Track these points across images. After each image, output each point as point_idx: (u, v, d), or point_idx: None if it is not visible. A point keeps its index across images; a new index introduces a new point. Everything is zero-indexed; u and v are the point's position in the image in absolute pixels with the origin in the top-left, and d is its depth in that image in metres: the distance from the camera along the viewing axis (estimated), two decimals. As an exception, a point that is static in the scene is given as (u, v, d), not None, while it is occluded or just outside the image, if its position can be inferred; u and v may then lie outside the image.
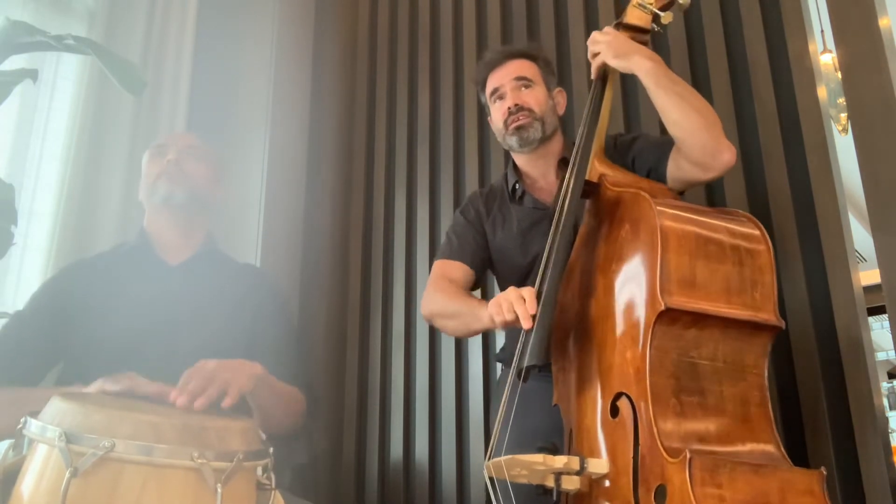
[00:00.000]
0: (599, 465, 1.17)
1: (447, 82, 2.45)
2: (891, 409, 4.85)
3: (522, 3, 2.32)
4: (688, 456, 1.02)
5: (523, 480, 1.24)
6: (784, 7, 1.80)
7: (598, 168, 1.40)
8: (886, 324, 1.55)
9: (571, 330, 1.35)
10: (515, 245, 1.65)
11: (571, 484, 1.17)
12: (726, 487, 1.02)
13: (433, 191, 2.40)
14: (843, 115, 3.09)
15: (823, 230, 1.64)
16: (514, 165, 1.72)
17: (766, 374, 1.20)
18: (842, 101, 3.08)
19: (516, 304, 1.29)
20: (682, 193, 1.49)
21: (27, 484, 1.01)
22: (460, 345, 2.19)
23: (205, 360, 1.29)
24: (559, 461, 1.16)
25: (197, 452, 1.00)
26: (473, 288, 1.71)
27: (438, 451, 2.15)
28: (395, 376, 2.30)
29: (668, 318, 1.13)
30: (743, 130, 1.82)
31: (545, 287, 1.30)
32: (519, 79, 1.64)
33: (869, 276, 1.82)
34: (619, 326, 1.22)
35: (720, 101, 1.85)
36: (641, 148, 1.55)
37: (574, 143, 1.49)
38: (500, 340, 2.10)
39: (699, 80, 1.91)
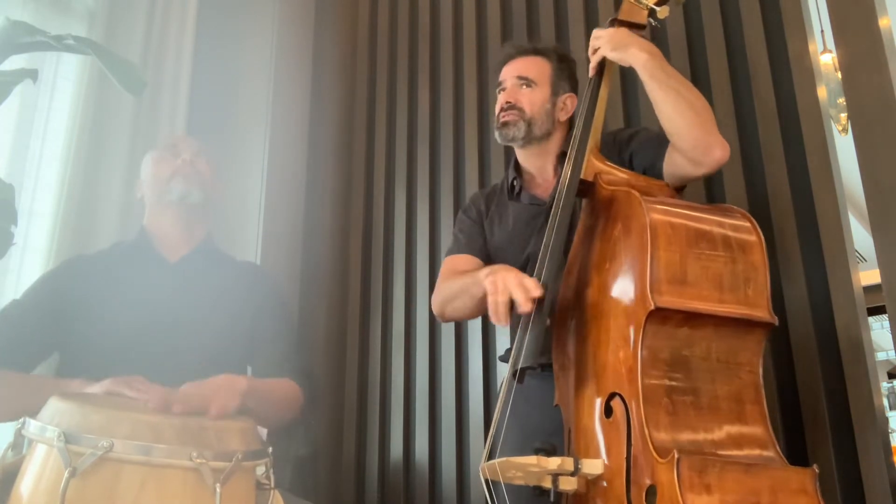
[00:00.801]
0: (594, 465, 1.17)
1: (447, 82, 2.45)
2: (891, 409, 4.85)
3: (522, 3, 2.32)
4: (676, 456, 1.02)
5: (520, 482, 1.24)
6: (784, 7, 1.80)
7: (593, 166, 1.40)
8: (886, 324, 1.55)
9: (571, 328, 1.35)
10: (511, 242, 1.65)
11: (569, 485, 1.17)
12: (715, 487, 1.02)
13: (433, 191, 2.40)
14: (843, 115, 3.08)
15: (823, 230, 1.64)
16: (516, 162, 1.73)
17: (760, 371, 1.20)
18: (842, 101, 3.08)
19: (515, 290, 1.27)
20: (681, 190, 1.48)
21: (26, 484, 1.01)
22: (460, 345, 2.19)
23: (188, 383, 1.26)
24: (553, 463, 1.16)
25: (196, 452, 1.00)
26: None
27: (438, 451, 2.15)
28: (395, 376, 2.30)
29: (658, 317, 1.13)
30: (743, 130, 1.82)
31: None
32: (521, 78, 1.66)
33: (869, 276, 1.82)
34: (613, 326, 1.22)
35: (720, 100, 1.85)
36: (639, 144, 1.55)
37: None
38: (500, 340, 2.10)
39: (699, 80, 1.90)
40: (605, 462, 1.17)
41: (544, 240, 1.37)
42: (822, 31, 2.87)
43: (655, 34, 2.00)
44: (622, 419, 1.14)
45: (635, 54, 1.42)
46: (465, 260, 1.69)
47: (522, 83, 1.66)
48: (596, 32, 1.51)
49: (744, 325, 1.18)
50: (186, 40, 2.45)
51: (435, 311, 1.69)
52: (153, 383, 1.26)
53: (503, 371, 1.80)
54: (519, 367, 1.24)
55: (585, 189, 1.38)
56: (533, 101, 1.64)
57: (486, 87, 2.34)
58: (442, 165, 2.39)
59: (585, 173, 1.38)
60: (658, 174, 1.48)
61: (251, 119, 2.57)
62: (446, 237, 2.29)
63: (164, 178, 1.69)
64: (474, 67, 2.38)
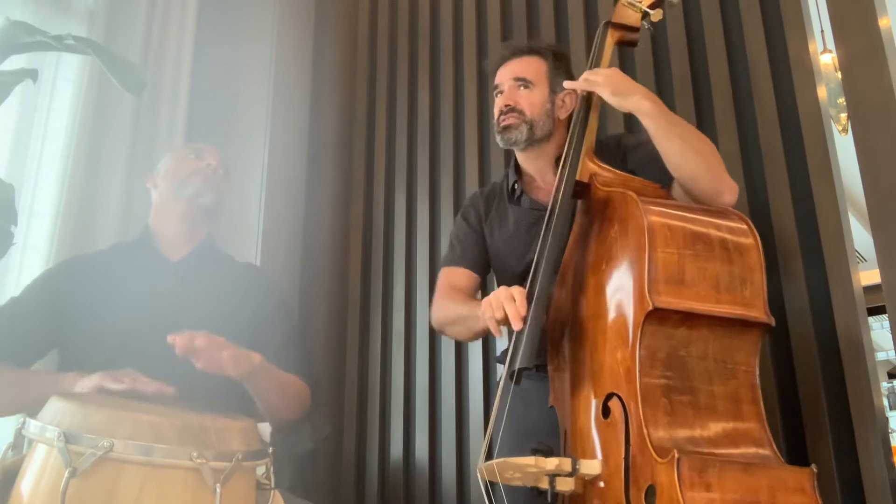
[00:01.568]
0: (591, 466, 1.17)
1: (447, 82, 2.45)
2: (891, 409, 4.85)
3: (522, 3, 2.32)
4: (676, 456, 1.02)
5: (517, 483, 1.24)
6: (784, 7, 1.80)
7: (588, 168, 1.40)
8: (886, 324, 1.55)
9: (566, 330, 1.35)
10: (511, 248, 1.64)
11: (566, 485, 1.17)
12: (715, 487, 1.02)
13: (433, 191, 2.40)
14: (843, 115, 3.08)
15: (823, 230, 1.64)
16: (516, 164, 1.72)
17: (757, 371, 1.20)
18: (842, 101, 3.08)
19: (506, 304, 1.28)
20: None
21: (27, 483, 1.01)
22: (460, 345, 2.19)
23: (204, 332, 1.31)
24: (551, 463, 1.16)
25: (196, 452, 1.00)
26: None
27: (438, 451, 2.15)
28: (395, 376, 2.30)
29: (656, 317, 1.13)
30: (743, 130, 1.82)
31: (536, 289, 1.29)
32: (518, 79, 1.63)
33: (869, 276, 1.82)
34: (610, 326, 1.22)
35: (720, 100, 1.85)
36: (645, 159, 1.52)
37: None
38: (500, 341, 2.10)
39: (699, 80, 1.91)
40: (603, 462, 1.17)
41: (540, 242, 1.37)
42: (822, 31, 2.87)
43: (654, 35, 2.01)
44: (620, 419, 1.14)
45: (638, 102, 1.39)
46: (461, 274, 1.69)
47: (520, 84, 1.63)
48: (587, 76, 1.47)
49: (740, 325, 1.19)
50: (186, 41, 2.45)
51: (434, 326, 1.71)
52: (143, 376, 1.29)
53: (502, 371, 1.80)
54: (516, 368, 1.24)
55: (581, 191, 1.38)
56: (532, 102, 1.62)
57: (485, 87, 2.34)
58: (442, 165, 2.39)
59: (581, 175, 1.38)
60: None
61: (251, 119, 2.57)
62: (446, 237, 2.28)
63: (183, 174, 1.72)
64: (474, 67, 2.38)
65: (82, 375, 1.37)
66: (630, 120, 2.01)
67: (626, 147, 1.58)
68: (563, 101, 1.66)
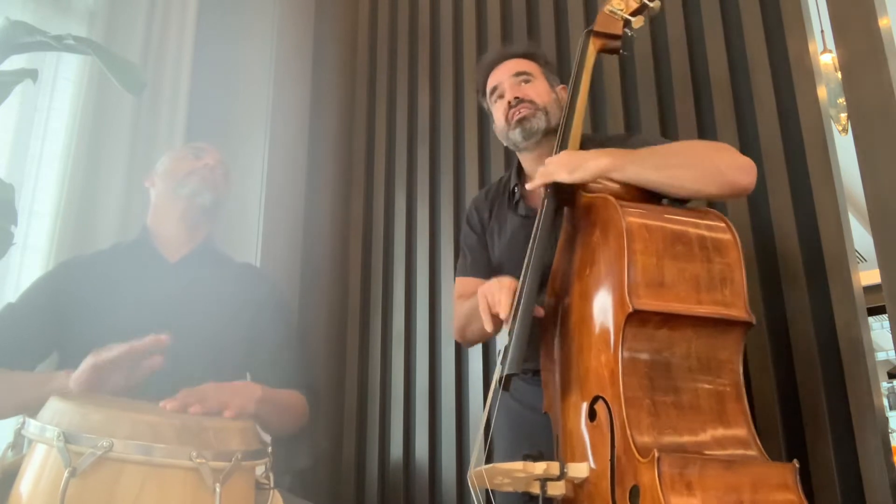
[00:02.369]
0: (579, 469, 1.18)
1: (447, 82, 2.45)
2: (891, 409, 4.85)
3: (522, 3, 2.32)
4: (656, 455, 1.03)
5: (508, 489, 1.24)
6: (784, 7, 1.80)
7: None
8: (886, 324, 1.55)
9: (556, 336, 1.35)
10: (509, 258, 1.62)
11: (556, 489, 1.18)
12: (696, 485, 1.03)
13: (433, 191, 2.40)
14: (843, 115, 3.09)
15: (823, 230, 1.64)
16: (519, 168, 1.70)
17: (741, 369, 1.20)
18: (842, 101, 3.08)
19: (496, 292, 1.31)
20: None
21: (26, 483, 1.01)
22: (460, 345, 2.19)
23: (211, 382, 1.29)
24: (538, 468, 1.16)
25: (195, 452, 1.00)
26: None
27: (438, 451, 2.15)
28: (395, 376, 2.30)
29: (637, 319, 1.14)
30: (743, 130, 1.82)
31: (522, 296, 1.29)
32: (518, 74, 1.62)
33: (869, 276, 1.82)
34: (594, 330, 1.22)
35: (720, 101, 1.85)
36: None
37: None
38: (499, 341, 2.10)
39: (699, 80, 1.91)
40: (591, 465, 1.17)
41: (528, 250, 1.36)
42: (822, 31, 2.87)
43: (654, 35, 2.01)
44: (606, 422, 1.14)
45: (596, 165, 1.32)
46: (474, 283, 1.66)
47: (521, 79, 1.62)
48: (540, 173, 1.39)
49: (722, 324, 1.19)
50: (186, 40, 2.45)
51: (456, 338, 1.71)
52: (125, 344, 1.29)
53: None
54: (504, 374, 1.24)
55: (566, 197, 1.38)
56: (539, 91, 1.61)
57: (486, 87, 2.34)
58: (442, 165, 2.39)
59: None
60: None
61: (251, 119, 2.57)
62: (446, 237, 2.29)
63: (181, 173, 1.71)
64: (474, 67, 2.38)
65: (71, 373, 1.35)
66: (630, 120, 2.01)
67: (633, 146, 1.56)
68: (560, 95, 1.66)
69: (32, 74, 1.38)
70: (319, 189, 2.65)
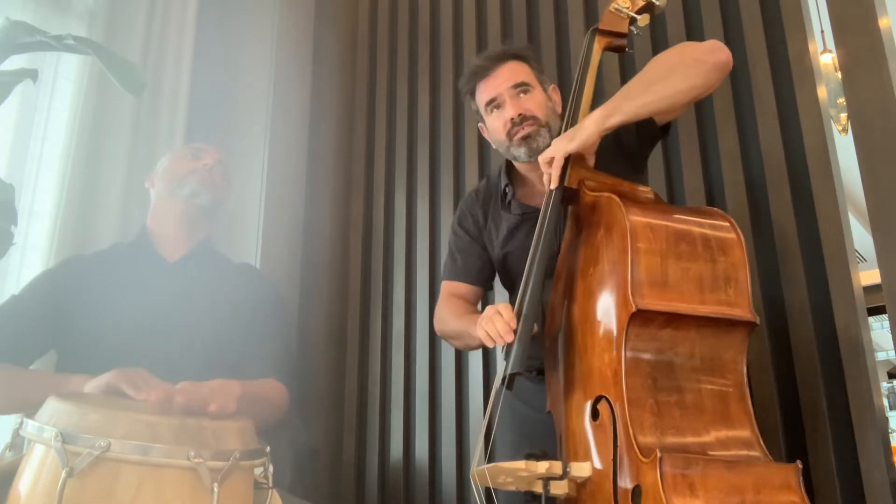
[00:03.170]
0: (582, 468, 1.17)
1: (447, 82, 2.45)
2: (891, 409, 4.85)
3: (522, 3, 2.32)
4: (658, 455, 1.03)
5: (510, 488, 1.24)
6: (784, 7, 1.80)
7: (577, 173, 1.38)
8: (886, 324, 1.55)
9: (560, 335, 1.35)
10: (509, 251, 1.62)
11: (559, 489, 1.17)
12: (699, 485, 1.02)
13: (433, 191, 2.40)
14: (843, 115, 3.08)
15: (823, 230, 1.64)
16: (508, 168, 1.67)
17: (745, 369, 1.20)
18: (842, 101, 3.07)
19: (494, 320, 1.29)
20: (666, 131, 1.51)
21: (24, 484, 1.01)
22: (460, 345, 2.19)
23: (185, 382, 1.26)
24: (541, 467, 1.16)
25: (193, 452, 1.00)
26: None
27: (438, 451, 2.15)
28: (395, 376, 2.30)
29: (641, 319, 1.14)
30: (743, 130, 1.82)
31: (527, 295, 1.29)
32: (517, 86, 1.56)
33: (869, 276, 1.82)
34: (597, 329, 1.22)
35: (720, 100, 1.85)
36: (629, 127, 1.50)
37: None
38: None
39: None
40: (594, 465, 1.17)
41: (531, 249, 1.35)
42: (822, 31, 2.87)
43: (654, 35, 2.00)
44: (608, 421, 1.14)
45: (589, 125, 1.34)
46: (462, 287, 1.69)
47: (520, 90, 1.56)
48: (543, 156, 1.40)
49: (726, 324, 1.19)
50: (186, 40, 2.45)
51: (436, 331, 1.71)
52: (154, 378, 1.27)
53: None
54: (507, 373, 1.24)
55: (570, 196, 1.38)
56: (539, 104, 1.57)
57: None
58: (442, 165, 2.39)
59: (569, 180, 1.36)
60: (650, 126, 1.48)
61: (251, 119, 2.57)
62: (446, 237, 2.28)
63: (179, 174, 1.72)
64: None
65: (89, 377, 1.35)
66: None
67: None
68: (552, 97, 1.64)
69: (32, 74, 1.38)
70: (319, 189, 2.65)
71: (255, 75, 2.62)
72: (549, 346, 1.38)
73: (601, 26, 1.54)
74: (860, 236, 2.16)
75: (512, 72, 1.59)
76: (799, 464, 1.09)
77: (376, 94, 2.65)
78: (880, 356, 4.75)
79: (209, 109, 2.50)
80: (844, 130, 3.09)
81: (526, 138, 1.54)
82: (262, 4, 2.69)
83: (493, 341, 1.30)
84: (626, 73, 2.04)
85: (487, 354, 2.13)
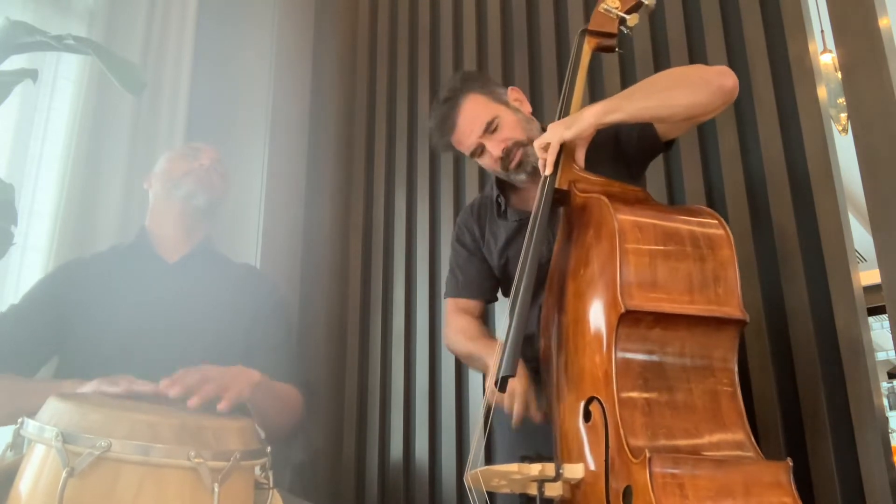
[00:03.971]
0: (575, 470, 1.17)
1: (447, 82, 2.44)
2: (891, 409, 4.85)
3: (522, 3, 2.32)
4: (647, 455, 1.03)
5: (505, 490, 1.24)
6: (784, 7, 1.80)
7: (567, 174, 1.38)
8: (886, 324, 1.55)
9: (553, 336, 1.35)
10: (515, 256, 1.61)
11: (553, 490, 1.17)
12: (688, 485, 1.02)
13: (433, 191, 2.40)
14: (843, 115, 3.08)
15: (823, 230, 1.64)
16: (499, 180, 1.68)
17: (735, 367, 1.20)
18: (842, 101, 3.07)
19: (515, 403, 1.35)
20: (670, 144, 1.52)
21: (25, 484, 1.01)
22: (460, 345, 2.19)
23: (206, 364, 1.29)
24: (534, 469, 1.16)
25: (194, 452, 1.00)
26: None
27: (438, 451, 2.15)
28: (395, 376, 2.30)
29: (630, 319, 1.14)
30: (743, 130, 1.82)
31: (518, 298, 1.29)
32: (485, 127, 1.55)
33: (869, 276, 1.82)
34: (588, 331, 1.22)
35: (720, 100, 1.84)
36: (632, 127, 1.52)
37: None
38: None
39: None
40: (587, 466, 1.17)
41: (523, 251, 1.35)
42: (822, 31, 2.87)
43: (653, 35, 2.00)
44: (600, 422, 1.14)
45: (588, 116, 1.34)
46: (467, 304, 1.70)
47: (490, 128, 1.56)
48: (539, 141, 1.40)
49: (716, 323, 1.19)
50: (186, 40, 2.45)
51: (448, 349, 1.75)
52: (140, 380, 1.27)
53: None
54: (500, 375, 1.24)
55: (562, 198, 1.38)
56: (513, 127, 1.57)
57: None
58: (442, 165, 2.39)
59: (560, 182, 1.36)
60: (651, 135, 1.49)
61: (251, 119, 2.57)
62: (446, 237, 2.29)
63: (176, 174, 1.72)
64: (474, 67, 2.38)
65: (81, 382, 1.36)
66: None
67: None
68: (517, 100, 1.63)
69: (32, 74, 1.38)
70: (319, 189, 2.66)
71: (255, 75, 2.62)
72: (544, 347, 1.39)
73: (590, 27, 1.55)
74: (860, 236, 2.16)
75: (473, 115, 1.57)
76: (789, 461, 1.09)
77: (376, 94, 2.65)
78: (880, 356, 4.74)
79: (209, 109, 2.50)
80: (844, 130, 3.09)
81: (519, 165, 1.56)
82: (262, 4, 2.69)
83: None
84: (627, 74, 2.04)
85: (487, 354, 2.13)
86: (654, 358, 1.16)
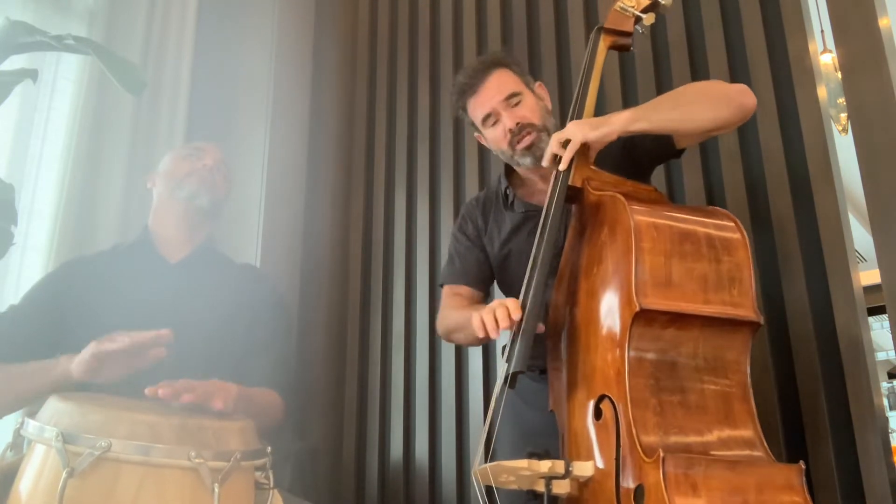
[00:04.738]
0: (585, 468, 1.17)
1: (447, 82, 2.44)
2: (891, 409, 4.85)
3: (522, 3, 2.32)
4: (661, 455, 1.02)
5: (512, 487, 1.24)
6: (784, 7, 1.80)
7: (581, 172, 1.38)
8: (886, 324, 1.55)
9: (563, 333, 1.35)
10: (508, 252, 1.63)
11: (561, 488, 1.17)
12: (701, 486, 1.02)
13: (433, 191, 2.40)
14: (843, 115, 3.08)
15: (823, 230, 1.64)
16: (508, 172, 1.69)
17: (748, 370, 1.20)
18: (842, 101, 3.07)
19: (497, 311, 1.28)
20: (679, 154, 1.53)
21: (25, 484, 1.01)
22: (460, 345, 2.19)
23: (184, 379, 1.27)
24: (543, 466, 1.16)
25: (194, 452, 1.00)
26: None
27: (438, 451, 2.15)
28: (395, 376, 2.30)
29: (644, 319, 1.13)
30: (743, 130, 1.82)
31: (530, 293, 1.29)
32: (508, 97, 1.57)
33: (869, 276, 1.82)
34: (601, 329, 1.22)
35: (720, 100, 1.84)
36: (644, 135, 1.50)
37: None
38: (500, 341, 2.10)
39: (699, 81, 1.90)
40: (597, 464, 1.17)
41: (534, 248, 1.35)
42: (822, 31, 2.87)
43: (654, 35, 2.00)
44: (611, 421, 1.14)
45: (616, 122, 1.34)
46: (462, 290, 1.69)
47: (512, 100, 1.57)
48: (556, 136, 1.39)
49: (729, 325, 1.18)
50: (186, 41, 2.45)
51: (440, 336, 1.72)
52: (131, 333, 1.29)
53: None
54: (510, 372, 1.24)
55: (574, 195, 1.38)
56: (532, 108, 1.58)
57: (486, 87, 2.34)
58: (442, 165, 2.39)
59: (573, 179, 1.36)
60: (667, 145, 1.49)
61: (251, 119, 2.58)
62: (446, 237, 2.29)
63: (180, 174, 1.71)
64: (474, 67, 2.38)
65: (72, 357, 1.36)
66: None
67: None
68: (541, 94, 1.64)
69: (32, 74, 1.38)
70: (319, 189, 2.66)
71: (255, 75, 2.62)
72: (552, 345, 1.38)
73: (606, 25, 1.54)
74: (860, 236, 2.16)
75: (500, 83, 1.59)
76: (802, 464, 1.09)
77: (376, 94, 2.65)
78: (880, 356, 4.74)
79: (209, 109, 2.50)
80: (844, 130, 3.09)
81: (529, 147, 1.55)
82: (262, 4, 2.69)
83: (485, 330, 1.28)
84: (627, 74, 2.04)
85: (488, 354, 2.13)
86: (667, 358, 1.16)
